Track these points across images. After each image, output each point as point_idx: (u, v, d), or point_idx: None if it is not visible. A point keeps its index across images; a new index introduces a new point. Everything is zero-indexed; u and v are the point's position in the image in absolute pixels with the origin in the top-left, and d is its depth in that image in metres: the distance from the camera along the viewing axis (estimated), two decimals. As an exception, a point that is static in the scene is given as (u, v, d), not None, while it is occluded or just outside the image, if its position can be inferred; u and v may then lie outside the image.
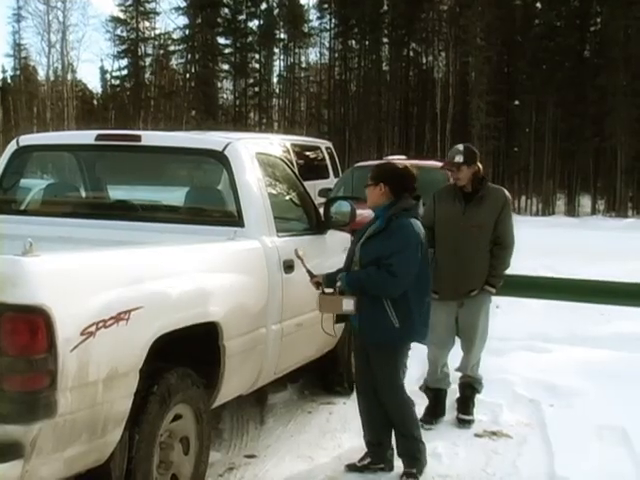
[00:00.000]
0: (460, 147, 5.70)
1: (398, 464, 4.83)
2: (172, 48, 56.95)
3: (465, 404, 5.85)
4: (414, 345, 4.89)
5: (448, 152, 5.83)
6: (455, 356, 5.89)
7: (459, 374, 5.91)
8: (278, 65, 57.43)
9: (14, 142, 5.56)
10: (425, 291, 4.68)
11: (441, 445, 5.33)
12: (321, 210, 5.71)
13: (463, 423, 5.76)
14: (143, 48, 56.72)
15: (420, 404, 5.88)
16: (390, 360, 4.67)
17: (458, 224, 5.55)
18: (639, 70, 39.04)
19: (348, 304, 4.54)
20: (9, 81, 59.02)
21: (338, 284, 4.60)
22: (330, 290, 4.69)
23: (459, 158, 5.57)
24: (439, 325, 5.62)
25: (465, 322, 5.70)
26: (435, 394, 5.87)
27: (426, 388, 5.90)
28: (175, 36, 55.73)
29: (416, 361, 5.85)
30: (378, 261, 4.50)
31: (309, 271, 4.78)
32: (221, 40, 56.27)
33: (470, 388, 5.87)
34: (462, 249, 5.52)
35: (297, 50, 56.84)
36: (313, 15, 56.59)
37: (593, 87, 41.21)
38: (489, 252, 5.60)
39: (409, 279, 4.48)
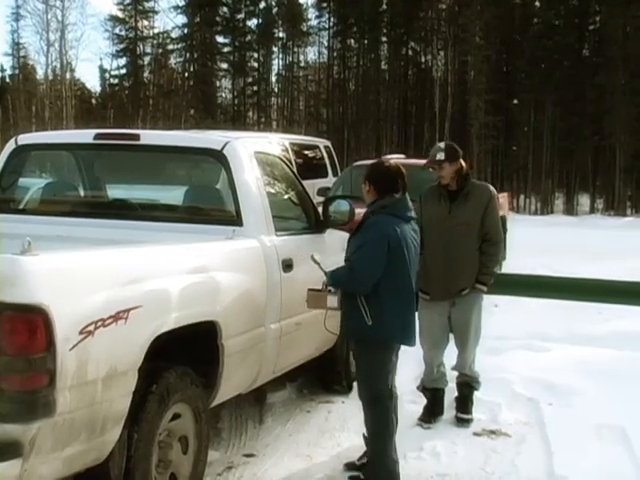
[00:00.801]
0: (441, 145, 5.73)
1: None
2: (171, 47, 56.89)
3: (464, 403, 5.85)
4: (405, 347, 4.84)
5: (430, 150, 5.84)
6: (451, 355, 5.89)
7: (456, 373, 5.92)
8: (277, 64, 57.43)
9: (13, 141, 5.56)
10: (403, 292, 4.57)
11: (440, 444, 5.33)
12: (320, 209, 5.71)
13: (462, 422, 5.76)
14: (142, 47, 56.69)
15: (419, 403, 5.90)
16: (364, 357, 4.61)
17: (445, 223, 5.54)
18: (638, 69, 39.01)
19: (332, 300, 4.54)
20: (8, 80, 58.96)
21: (324, 280, 4.60)
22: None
23: (440, 156, 5.58)
24: (432, 325, 5.62)
25: (458, 321, 5.70)
26: (433, 394, 5.87)
27: (423, 388, 5.90)
28: (174, 35, 55.70)
29: (413, 361, 5.85)
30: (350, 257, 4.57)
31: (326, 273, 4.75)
32: (220, 39, 56.27)
33: (468, 387, 5.87)
34: (450, 248, 5.51)
35: (296, 49, 56.77)
36: (312, 14, 56.56)
37: (592, 86, 41.20)
38: (478, 250, 5.60)
39: (370, 275, 4.42)
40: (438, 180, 5.66)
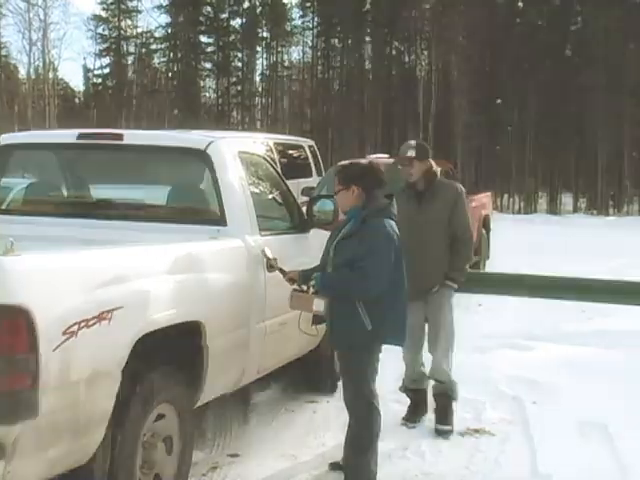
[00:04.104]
0: (412, 142, 5.72)
1: (381, 462, 4.82)
2: (154, 46, 56.69)
3: (442, 414, 5.69)
4: (389, 346, 4.80)
5: (400, 147, 5.81)
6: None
7: (432, 382, 5.78)
8: (261, 64, 57.32)
9: (-5, 141, 5.53)
10: (399, 293, 4.52)
11: (424, 443, 5.35)
12: (304, 209, 5.70)
13: (441, 434, 5.59)
14: (125, 46, 56.44)
15: (403, 403, 5.91)
16: (359, 363, 4.49)
17: (414, 223, 5.51)
18: (619, 69, 39.23)
19: (319, 304, 4.43)
20: (-11, 79, 58.53)
21: (312, 283, 4.49)
22: (305, 287, 4.58)
23: (411, 153, 5.58)
24: (410, 326, 5.59)
25: (430, 320, 5.68)
26: (415, 394, 5.85)
27: (405, 389, 5.89)
28: (157, 34, 55.55)
29: (394, 361, 5.86)
30: (351, 263, 4.35)
31: (281, 269, 4.73)
32: (203, 39, 56.07)
33: (444, 397, 5.71)
34: (419, 248, 5.45)
35: (280, 49, 56.70)
36: (296, 14, 56.53)
37: (574, 86, 41.38)
38: (448, 248, 5.60)
39: (382, 281, 4.34)
40: (406, 178, 5.65)
